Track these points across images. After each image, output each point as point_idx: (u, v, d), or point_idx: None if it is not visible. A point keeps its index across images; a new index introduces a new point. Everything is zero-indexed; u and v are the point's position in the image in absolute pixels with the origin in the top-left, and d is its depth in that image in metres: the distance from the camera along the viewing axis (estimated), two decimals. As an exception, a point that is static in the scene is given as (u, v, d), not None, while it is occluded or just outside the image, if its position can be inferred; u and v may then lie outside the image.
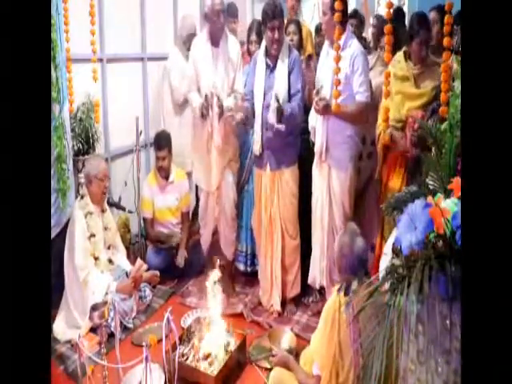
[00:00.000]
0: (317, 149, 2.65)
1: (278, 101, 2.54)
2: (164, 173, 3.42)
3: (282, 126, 2.61)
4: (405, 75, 2.46)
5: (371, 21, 4.18)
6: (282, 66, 2.70)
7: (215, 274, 2.44)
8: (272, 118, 2.61)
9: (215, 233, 3.28)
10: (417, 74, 2.44)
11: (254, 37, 3.17)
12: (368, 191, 2.97)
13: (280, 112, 2.55)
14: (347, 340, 1.68)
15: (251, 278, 3.28)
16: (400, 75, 2.47)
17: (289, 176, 2.81)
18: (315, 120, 2.66)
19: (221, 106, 2.83)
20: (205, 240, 3.31)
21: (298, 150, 2.88)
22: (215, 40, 2.95)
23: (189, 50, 3.67)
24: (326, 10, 2.48)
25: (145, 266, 3.00)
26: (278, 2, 2.69)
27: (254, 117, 2.82)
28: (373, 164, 2.86)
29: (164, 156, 3.35)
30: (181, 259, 3.33)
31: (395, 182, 2.53)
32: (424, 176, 1.37)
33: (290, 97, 2.69)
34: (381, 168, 2.64)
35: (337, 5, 2.00)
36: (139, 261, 2.98)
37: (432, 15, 2.78)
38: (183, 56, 3.67)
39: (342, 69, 2.24)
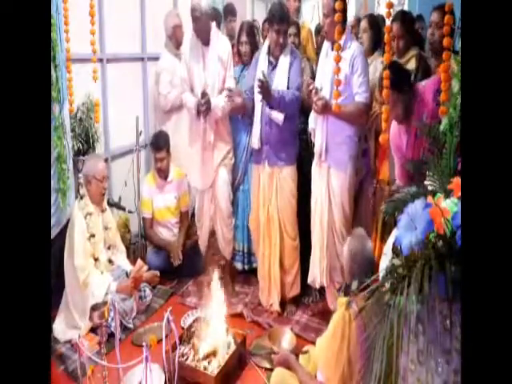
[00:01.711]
0: (316, 149, 2.66)
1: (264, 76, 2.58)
2: (163, 173, 3.42)
3: (280, 117, 2.66)
4: None
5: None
6: (284, 64, 2.74)
7: (216, 274, 2.44)
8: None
9: (213, 234, 3.28)
10: None
11: (244, 38, 3.13)
12: (364, 190, 2.97)
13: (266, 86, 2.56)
14: (356, 353, 1.66)
15: (250, 277, 3.29)
16: None
17: (287, 175, 2.82)
18: (315, 121, 2.67)
19: (209, 104, 2.87)
20: (202, 240, 3.31)
21: (296, 150, 2.89)
22: (204, 39, 2.97)
23: (177, 47, 3.65)
24: (327, 11, 2.49)
25: (145, 267, 3.00)
26: (286, 6, 2.76)
27: (253, 111, 2.85)
28: (367, 161, 2.89)
29: (162, 157, 3.34)
30: (176, 258, 3.29)
31: (383, 174, 2.63)
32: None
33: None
34: (374, 163, 2.71)
35: (337, 5, 2.02)
36: (139, 261, 2.97)
37: (434, 15, 2.77)
38: (172, 55, 3.63)
39: (342, 69, 2.26)
